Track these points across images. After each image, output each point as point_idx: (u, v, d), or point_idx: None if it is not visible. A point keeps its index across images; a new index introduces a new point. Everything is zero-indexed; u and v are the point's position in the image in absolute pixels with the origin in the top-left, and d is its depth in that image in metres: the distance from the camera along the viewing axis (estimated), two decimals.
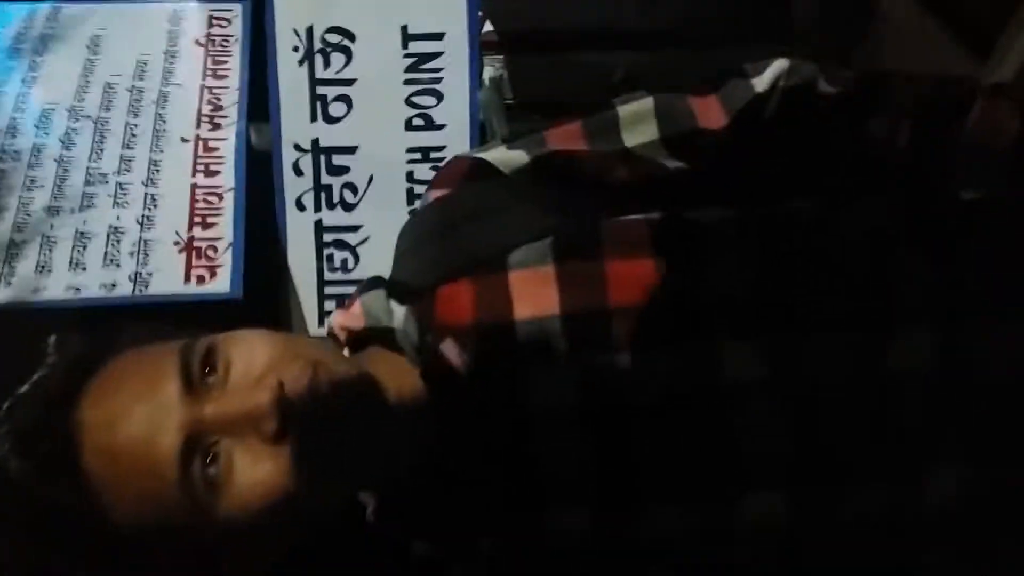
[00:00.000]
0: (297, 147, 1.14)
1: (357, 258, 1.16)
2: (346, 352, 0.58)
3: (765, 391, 0.49)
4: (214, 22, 1.27)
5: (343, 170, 1.15)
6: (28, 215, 1.02)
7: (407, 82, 1.17)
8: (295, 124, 1.14)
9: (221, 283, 1.01)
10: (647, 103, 0.57)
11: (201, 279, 1.02)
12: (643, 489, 0.50)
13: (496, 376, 0.50)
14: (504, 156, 0.56)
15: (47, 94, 1.16)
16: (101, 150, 1.10)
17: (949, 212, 0.53)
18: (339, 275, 1.16)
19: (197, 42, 1.24)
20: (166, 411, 0.46)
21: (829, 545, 0.49)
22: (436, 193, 0.58)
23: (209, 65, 1.21)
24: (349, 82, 1.16)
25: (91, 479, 0.45)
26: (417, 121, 1.17)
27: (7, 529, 0.47)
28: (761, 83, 0.57)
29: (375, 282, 0.57)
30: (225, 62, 1.22)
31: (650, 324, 0.49)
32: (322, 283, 1.15)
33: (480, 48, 1.19)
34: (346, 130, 1.15)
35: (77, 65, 1.19)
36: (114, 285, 0.98)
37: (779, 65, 0.57)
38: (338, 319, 0.58)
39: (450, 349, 0.52)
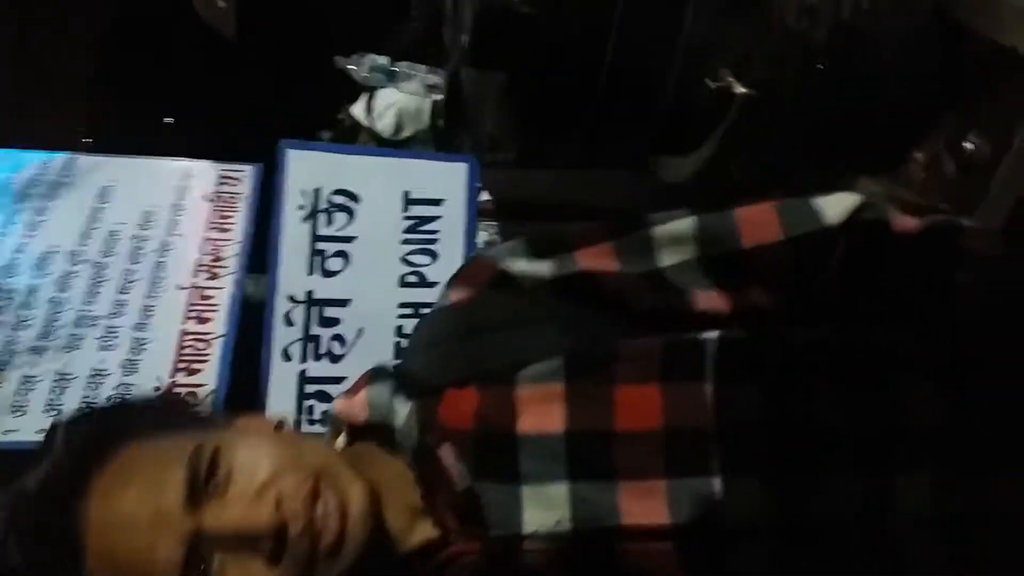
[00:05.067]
0: (291, 298, 1.16)
1: (337, 358, 1.14)
2: (343, 439, 0.57)
3: (763, 531, 0.47)
4: (223, 180, 1.33)
5: (334, 322, 1.16)
6: (11, 354, 1.01)
7: (404, 241, 1.21)
8: (292, 276, 1.16)
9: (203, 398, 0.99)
10: (686, 223, 0.54)
11: None
12: None
13: (489, 490, 0.49)
14: (527, 269, 0.55)
15: (50, 238, 1.19)
16: (96, 293, 1.11)
17: (966, 349, 0.51)
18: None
19: (204, 197, 1.29)
20: (168, 523, 0.47)
21: None
22: (455, 295, 0.57)
23: (213, 219, 1.25)
24: (349, 239, 1.20)
25: (93, 567, 0.47)
26: (411, 278, 1.20)
27: None
28: (832, 213, 0.52)
29: (381, 373, 0.56)
30: (230, 216, 1.26)
31: (652, 454, 0.47)
32: (303, 392, 1.13)
33: (476, 214, 1.25)
34: (341, 284, 1.18)
35: (83, 212, 1.23)
36: None
37: (850, 200, 0.53)
38: (342, 407, 0.56)
39: (447, 455, 0.51)
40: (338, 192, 1.23)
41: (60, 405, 0.98)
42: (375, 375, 0.57)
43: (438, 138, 1.76)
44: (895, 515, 0.48)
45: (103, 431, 0.52)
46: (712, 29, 1.35)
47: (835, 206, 0.53)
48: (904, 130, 1.30)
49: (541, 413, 0.50)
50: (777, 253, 0.53)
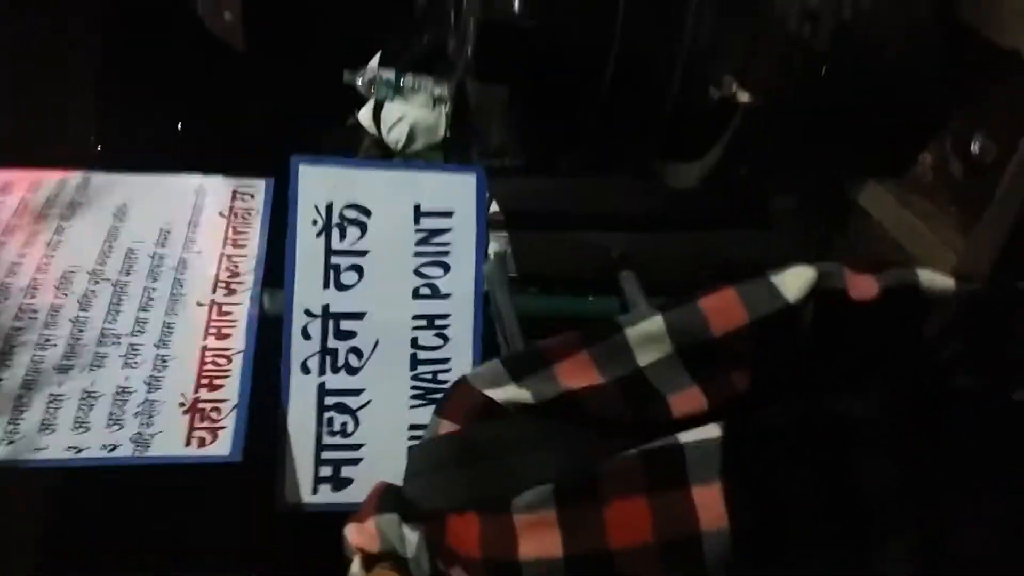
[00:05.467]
0: (308, 312, 1.18)
1: (357, 422, 1.17)
2: (357, 566, 0.60)
3: None
4: (237, 196, 1.35)
5: (350, 335, 1.18)
6: (38, 372, 1.03)
7: (417, 254, 1.23)
8: (308, 290, 1.18)
9: (221, 446, 1.01)
10: (656, 322, 0.57)
11: (202, 441, 1.01)
12: None
13: None
14: (511, 396, 0.58)
15: (70, 257, 1.21)
16: (117, 312, 1.14)
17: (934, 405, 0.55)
18: (338, 439, 1.16)
19: (220, 213, 1.31)
20: None
21: None
22: (445, 425, 0.61)
23: (230, 235, 1.27)
24: (362, 253, 1.22)
25: None
26: (424, 290, 1.22)
27: None
28: (790, 293, 0.57)
29: (389, 500, 0.60)
30: (245, 232, 1.29)
31: (651, 565, 0.51)
32: (320, 447, 1.15)
33: (487, 225, 1.26)
34: (356, 297, 1.20)
35: (102, 231, 1.25)
36: (115, 447, 0.97)
37: (807, 274, 0.57)
38: (354, 538, 0.60)
39: None
40: (350, 207, 1.25)
41: (88, 422, 1.00)
42: (383, 503, 0.60)
43: (446, 150, 1.78)
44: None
45: None
46: (714, 36, 1.36)
47: (792, 283, 0.57)
48: (910, 132, 1.31)
49: (539, 540, 0.53)
50: (745, 336, 0.57)
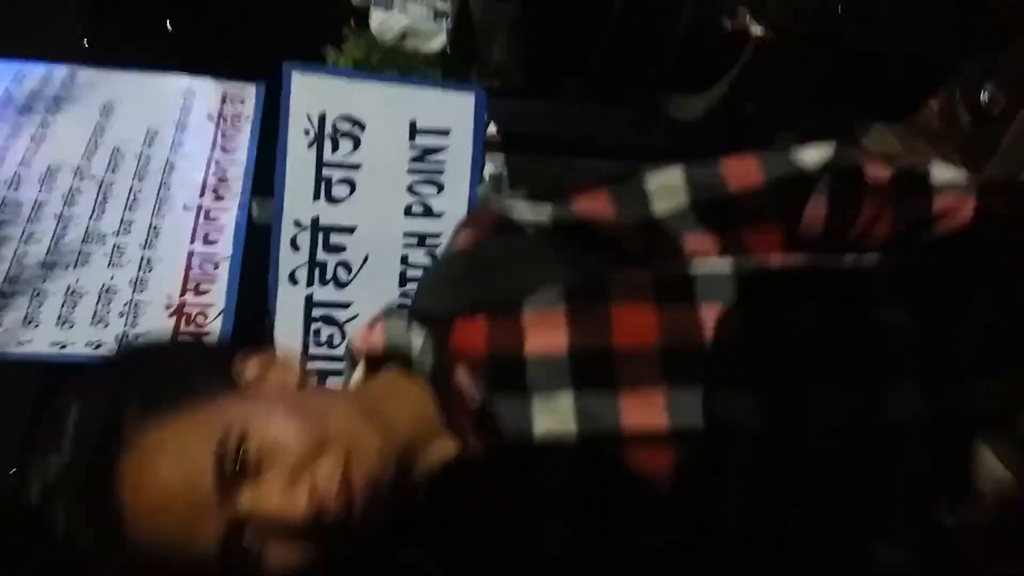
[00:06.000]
0: (297, 223, 1.16)
1: (344, 334, 1.17)
2: (361, 371, 0.59)
3: (757, 439, 0.51)
4: (227, 100, 1.31)
5: (339, 248, 1.17)
6: (22, 267, 1.01)
7: (410, 171, 1.21)
8: (298, 201, 1.16)
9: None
10: (676, 172, 0.58)
11: None
12: (623, 513, 0.52)
13: (501, 403, 0.53)
14: (530, 216, 0.59)
15: (54, 152, 1.18)
16: (103, 211, 1.11)
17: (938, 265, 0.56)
18: (324, 350, 1.16)
19: (209, 116, 1.27)
20: (203, 512, 0.49)
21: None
22: (463, 240, 0.61)
23: (219, 139, 1.24)
24: (355, 167, 1.20)
25: (134, 551, 0.49)
26: (416, 208, 1.20)
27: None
28: (808, 161, 0.57)
29: (395, 310, 0.59)
30: (234, 138, 1.25)
31: (650, 367, 0.51)
32: (306, 357, 1.15)
33: (484, 146, 1.24)
34: (346, 211, 1.18)
35: (87, 128, 1.22)
36: (99, 345, 0.97)
37: (825, 149, 0.57)
38: (360, 341, 0.59)
39: (462, 375, 0.54)
40: (344, 118, 1.22)
41: (72, 319, 1.00)
42: (390, 311, 0.59)
43: (444, 67, 1.73)
44: (885, 424, 0.51)
45: (118, 414, 0.51)
46: None
47: (811, 154, 0.58)
48: (920, 78, 1.29)
49: (545, 335, 0.54)
50: (761, 197, 0.57)
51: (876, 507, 0.52)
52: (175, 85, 1.33)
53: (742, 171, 0.57)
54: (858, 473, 0.52)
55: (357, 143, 1.22)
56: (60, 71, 1.32)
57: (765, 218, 0.57)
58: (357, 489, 0.50)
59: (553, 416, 0.52)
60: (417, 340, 0.56)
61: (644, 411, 0.51)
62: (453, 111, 1.25)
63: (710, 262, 0.55)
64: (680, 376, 0.52)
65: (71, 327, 0.98)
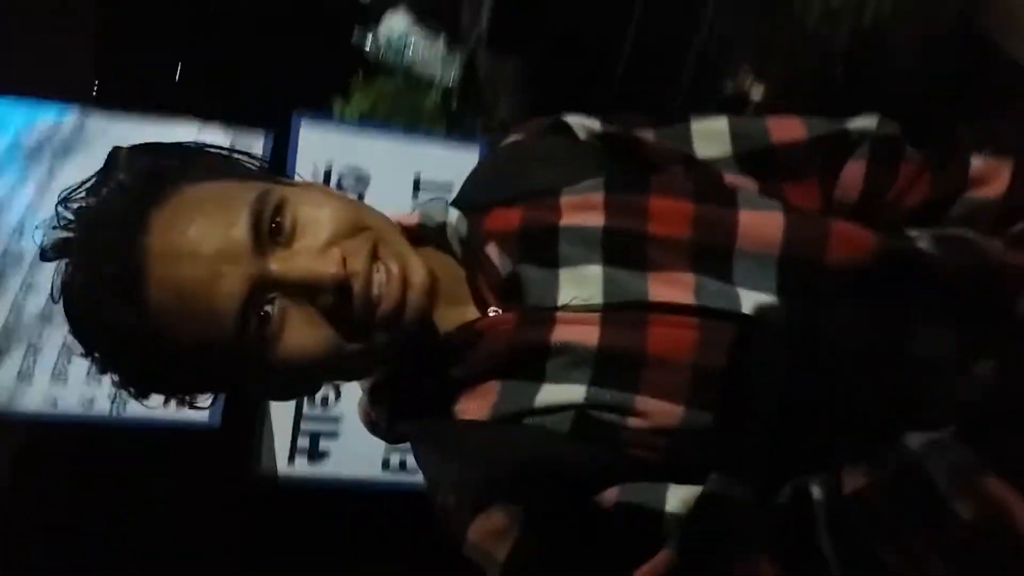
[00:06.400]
0: None
1: (338, 394, 1.16)
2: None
3: (780, 333, 0.50)
4: (236, 146, 1.32)
5: None
6: (20, 319, 1.01)
7: None
8: None
9: (200, 411, 1.00)
10: (721, 122, 0.58)
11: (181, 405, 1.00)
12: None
13: (529, 272, 0.53)
14: (582, 121, 0.59)
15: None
16: None
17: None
18: (317, 411, 1.15)
19: None
20: (234, 259, 0.48)
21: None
22: (515, 136, 0.62)
23: None
24: None
25: (152, 305, 0.48)
26: None
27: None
28: (850, 127, 0.58)
29: (434, 203, 0.60)
30: None
31: (681, 256, 0.52)
32: (299, 417, 1.14)
33: None
34: None
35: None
36: (92, 401, 0.96)
37: (868, 119, 0.58)
38: (395, 218, 0.58)
39: (493, 251, 0.55)
40: (349, 170, 1.23)
41: (67, 375, 0.99)
42: (429, 202, 0.60)
43: (450, 120, 1.74)
44: (909, 355, 0.50)
45: (166, 166, 0.52)
46: (733, 26, 1.34)
47: (856, 122, 0.59)
48: (919, 142, 1.30)
49: (582, 214, 0.54)
50: (801, 151, 0.58)
51: (896, 419, 0.50)
52: (184, 132, 1.34)
53: (786, 126, 0.58)
54: (879, 389, 0.50)
55: (361, 196, 1.23)
56: (70, 117, 1.33)
57: (804, 173, 0.57)
58: (387, 278, 0.49)
59: (581, 285, 0.52)
60: (453, 216, 0.57)
61: (672, 289, 0.51)
62: (457, 165, 1.26)
63: (754, 191, 0.56)
64: (710, 269, 0.52)
65: (65, 383, 0.97)
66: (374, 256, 0.50)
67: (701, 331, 0.50)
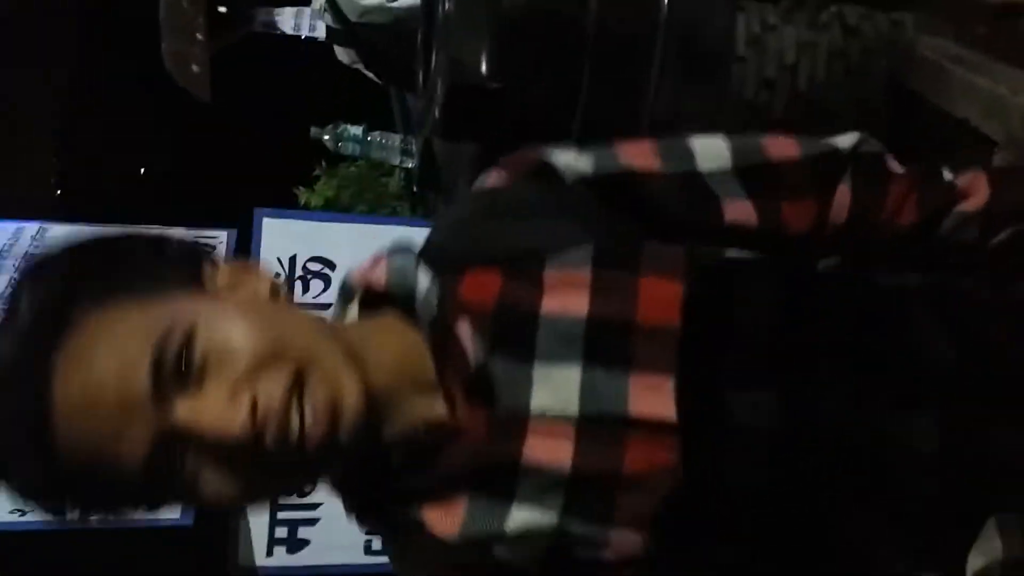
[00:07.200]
0: None
1: (315, 482, 1.13)
2: (355, 310, 0.54)
3: (767, 439, 0.49)
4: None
5: None
6: None
7: None
8: None
9: (172, 509, 0.97)
10: (719, 138, 0.58)
11: None
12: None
13: (501, 366, 0.49)
14: (570, 162, 0.55)
15: None
16: None
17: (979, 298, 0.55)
18: (294, 499, 1.12)
19: None
20: (135, 414, 0.44)
21: None
22: (495, 179, 0.57)
23: None
24: (325, 307, 1.21)
25: (63, 458, 0.45)
26: None
27: None
28: (839, 142, 0.58)
29: (404, 247, 0.55)
30: None
31: (669, 350, 0.49)
32: (275, 508, 1.11)
33: None
34: None
35: None
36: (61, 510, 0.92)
37: (855, 134, 0.58)
38: (360, 275, 0.54)
39: (464, 330, 0.50)
40: (314, 259, 1.24)
41: None
42: (397, 248, 0.54)
43: (412, 202, 1.78)
44: (901, 449, 0.49)
45: (69, 290, 0.47)
46: (675, 103, 1.40)
47: (842, 139, 0.59)
48: None
49: (566, 296, 0.50)
50: (799, 170, 0.57)
51: (879, 527, 0.49)
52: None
53: (781, 144, 0.58)
54: (866, 490, 0.49)
55: (328, 282, 1.24)
56: (30, 228, 1.33)
57: (802, 193, 0.57)
58: (311, 413, 0.45)
59: (556, 390, 0.49)
60: (423, 282, 0.51)
61: (653, 398, 0.48)
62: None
63: (747, 245, 0.54)
64: (699, 364, 0.49)
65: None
66: (297, 384, 0.45)
67: (680, 450, 0.48)
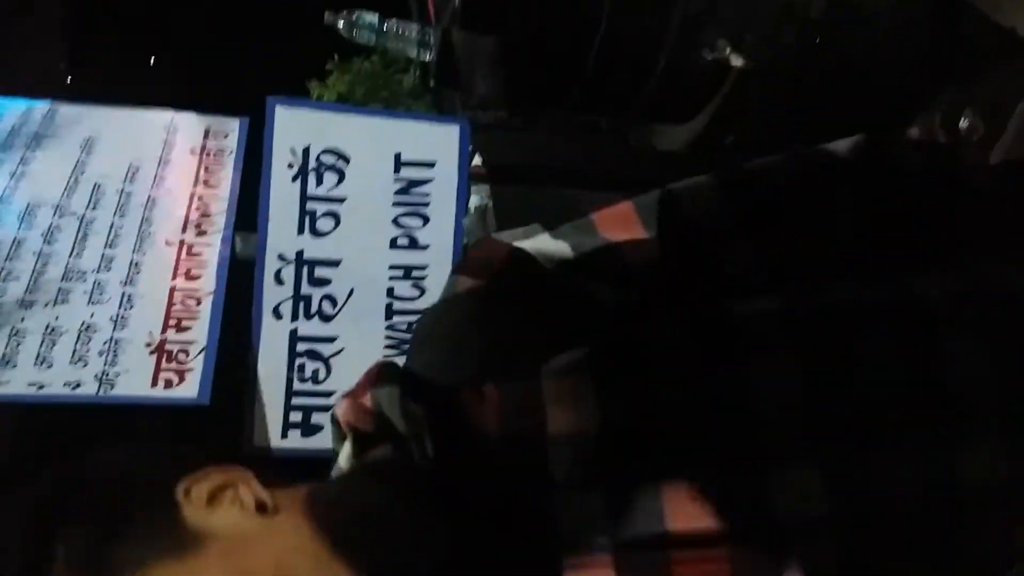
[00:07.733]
0: (281, 257, 1.15)
1: (329, 369, 1.15)
2: (349, 447, 0.52)
3: (823, 525, 0.43)
4: (210, 134, 1.30)
5: (324, 282, 1.16)
6: (0, 305, 1.00)
7: (396, 204, 1.20)
8: (282, 235, 1.15)
9: (189, 388, 0.99)
10: (701, 178, 0.52)
11: (168, 383, 0.99)
12: None
13: (519, 502, 0.45)
14: (546, 247, 0.50)
15: (34, 189, 1.17)
16: (83, 248, 1.10)
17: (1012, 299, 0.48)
18: (308, 385, 1.14)
19: (191, 151, 1.27)
20: None
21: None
22: (467, 282, 0.51)
23: (201, 174, 1.23)
24: (339, 200, 1.19)
25: None
26: (402, 241, 1.20)
27: None
28: (840, 149, 0.52)
29: (388, 373, 0.50)
30: (217, 172, 1.25)
31: (693, 452, 0.44)
32: (290, 393, 1.13)
33: (469, 178, 1.24)
34: (331, 244, 1.17)
35: (68, 164, 1.21)
36: (79, 384, 0.95)
37: (856, 137, 0.53)
38: (346, 414, 0.51)
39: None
40: (328, 151, 1.22)
41: (51, 359, 0.98)
42: (381, 375, 0.51)
43: (430, 99, 1.74)
44: (959, 489, 0.45)
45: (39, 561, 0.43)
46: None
47: (842, 142, 0.53)
48: (900, 106, 1.31)
49: (571, 411, 0.45)
50: (793, 191, 0.52)
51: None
52: (158, 120, 1.32)
53: (768, 167, 0.53)
54: (930, 546, 0.45)
55: (342, 176, 1.22)
56: (41, 107, 1.31)
57: (804, 218, 0.52)
58: None
59: (586, 521, 0.44)
60: (415, 415, 0.47)
61: (690, 508, 0.43)
62: (438, 143, 1.25)
63: (754, 299, 0.47)
64: (734, 460, 0.43)
65: (49, 367, 0.96)
66: None
67: (732, 561, 0.43)
